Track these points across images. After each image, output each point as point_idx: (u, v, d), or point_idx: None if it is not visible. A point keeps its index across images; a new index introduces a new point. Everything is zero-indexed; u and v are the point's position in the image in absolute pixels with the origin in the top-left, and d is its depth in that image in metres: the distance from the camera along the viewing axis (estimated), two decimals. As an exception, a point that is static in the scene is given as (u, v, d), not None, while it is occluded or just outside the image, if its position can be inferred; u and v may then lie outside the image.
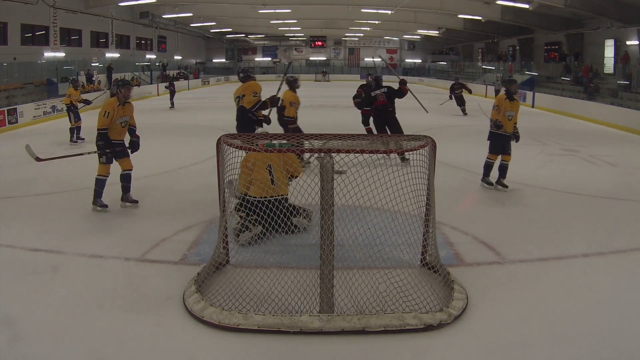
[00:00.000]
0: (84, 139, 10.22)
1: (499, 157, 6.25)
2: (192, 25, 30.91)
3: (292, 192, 4.15)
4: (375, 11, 24.79)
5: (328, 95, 23.18)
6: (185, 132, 11.99)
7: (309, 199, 3.42)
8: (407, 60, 41.23)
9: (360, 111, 9.22)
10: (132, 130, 5.61)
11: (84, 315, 3.20)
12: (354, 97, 9.71)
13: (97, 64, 22.47)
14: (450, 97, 15.07)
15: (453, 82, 15.55)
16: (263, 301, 3.29)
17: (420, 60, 40.77)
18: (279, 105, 7.21)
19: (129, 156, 5.56)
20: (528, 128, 12.50)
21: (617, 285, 3.72)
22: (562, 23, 21.48)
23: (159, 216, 5.29)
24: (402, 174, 3.40)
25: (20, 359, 2.78)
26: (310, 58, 42.41)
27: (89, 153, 5.40)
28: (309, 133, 3.47)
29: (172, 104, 17.69)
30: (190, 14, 27.49)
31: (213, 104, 20.03)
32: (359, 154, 3.11)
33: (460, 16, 25.39)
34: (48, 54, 19.54)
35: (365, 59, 41.50)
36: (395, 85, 8.36)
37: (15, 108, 13.04)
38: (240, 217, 4.41)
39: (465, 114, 14.70)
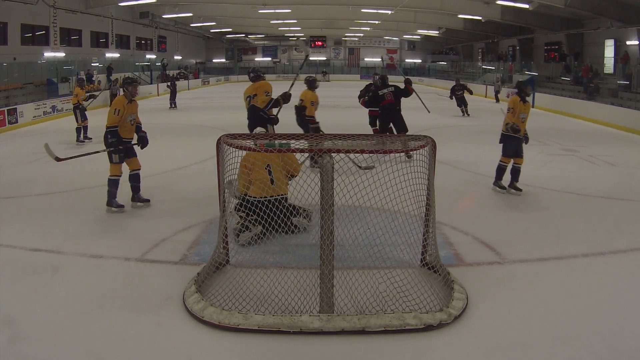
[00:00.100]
0: (91, 138, 10.24)
1: (511, 161, 6.15)
2: (192, 25, 30.91)
3: (292, 192, 4.15)
4: (375, 11, 24.78)
5: (328, 95, 23.09)
6: (185, 132, 11.99)
7: (309, 199, 3.42)
8: (407, 60, 41.23)
9: (367, 110, 9.20)
10: (138, 128, 5.63)
11: (84, 315, 3.20)
12: (360, 97, 9.69)
13: (97, 64, 22.46)
14: (451, 98, 15.02)
15: (454, 83, 15.44)
16: (263, 301, 3.29)
17: (420, 60, 40.77)
18: (298, 105, 7.33)
19: (136, 155, 5.58)
20: (528, 128, 12.48)
21: (617, 285, 3.72)
22: (562, 23, 21.47)
23: (159, 216, 5.29)
24: (402, 174, 3.40)
25: (20, 359, 2.78)
26: (310, 58, 42.38)
27: (104, 151, 5.38)
28: (309, 133, 3.46)
29: (174, 104, 17.58)
30: (190, 14, 27.49)
31: (213, 104, 20.05)
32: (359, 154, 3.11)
33: (460, 16, 25.38)
34: (48, 54, 19.54)
35: (365, 59, 41.55)
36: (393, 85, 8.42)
37: (15, 108, 13.04)
38: (240, 217, 4.41)
39: (467, 115, 14.59)
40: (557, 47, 23.40)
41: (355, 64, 41.96)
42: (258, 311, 3.14)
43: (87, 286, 3.62)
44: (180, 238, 4.59)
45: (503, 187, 6.17)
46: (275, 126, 6.46)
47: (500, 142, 6.19)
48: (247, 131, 5.92)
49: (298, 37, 39.81)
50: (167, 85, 18.51)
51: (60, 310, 3.27)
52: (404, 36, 37.89)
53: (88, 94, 10.91)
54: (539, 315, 3.24)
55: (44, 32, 19.73)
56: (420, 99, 9.72)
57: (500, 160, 6.18)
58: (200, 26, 32.14)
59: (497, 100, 20.55)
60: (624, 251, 4.39)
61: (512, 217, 5.41)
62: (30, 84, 16.73)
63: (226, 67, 41.82)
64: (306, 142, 3.44)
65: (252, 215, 4.20)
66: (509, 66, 25.79)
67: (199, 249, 4.34)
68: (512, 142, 6.05)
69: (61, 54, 19.99)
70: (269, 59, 42.85)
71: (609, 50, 19.56)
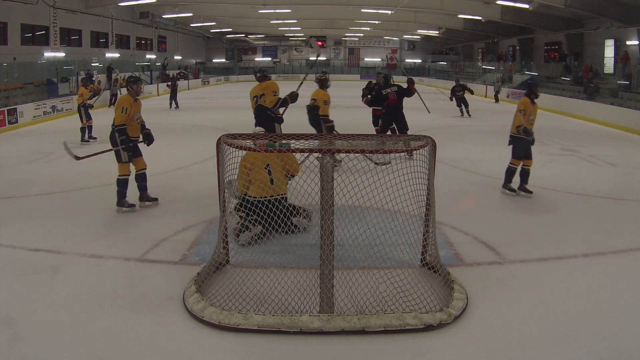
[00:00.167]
0: (95, 138, 10.26)
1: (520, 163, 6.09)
2: (192, 25, 30.90)
3: (292, 192, 4.15)
4: (375, 11, 24.76)
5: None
6: (185, 132, 11.99)
7: (309, 199, 3.42)
8: (407, 60, 41.23)
9: (367, 110, 9.21)
10: (142, 126, 5.65)
11: (84, 315, 3.20)
12: (363, 95, 9.69)
13: (97, 64, 22.45)
14: (451, 99, 14.93)
15: (454, 84, 15.33)
16: (263, 301, 3.29)
17: (420, 60, 40.76)
18: (311, 105, 7.40)
19: (142, 155, 5.59)
20: (528, 128, 12.53)
21: (617, 285, 3.72)
22: (562, 23, 21.47)
23: (159, 216, 5.30)
24: (402, 174, 3.40)
25: (20, 359, 2.78)
26: (311, 58, 42.40)
27: (120, 148, 5.37)
28: (308, 133, 3.46)
29: (176, 104, 17.44)
30: (190, 14, 27.47)
31: (213, 104, 20.05)
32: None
33: (460, 16, 25.37)
34: (48, 54, 19.52)
35: (365, 59, 41.55)
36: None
37: (15, 108, 13.04)
38: (240, 217, 4.41)
39: (469, 115, 14.51)
40: (557, 47, 23.39)
41: (355, 64, 41.94)
42: (258, 311, 3.14)
43: (87, 286, 3.62)
44: (180, 238, 4.59)
45: (513, 190, 6.06)
46: (280, 125, 6.51)
47: (509, 145, 6.09)
48: (247, 131, 5.92)
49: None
50: (167, 85, 18.41)
51: (60, 310, 3.27)
52: (404, 36, 37.87)
53: (92, 92, 10.94)
54: (539, 315, 3.24)
55: (44, 32, 19.72)
56: (421, 99, 9.75)
57: (510, 163, 6.08)
58: (200, 26, 32.13)
59: (497, 100, 20.54)
60: (624, 251, 4.39)
61: (512, 217, 5.41)
62: (30, 84, 16.72)
63: (226, 67, 41.81)
64: (306, 143, 3.44)
65: (252, 215, 4.20)
66: (509, 66, 25.79)
67: (199, 249, 4.33)
68: (523, 144, 5.95)
69: (61, 54, 19.98)
70: (269, 59, 42.84)
71: (609, 50, 19.56)
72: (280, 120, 6.45)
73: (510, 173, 6.10)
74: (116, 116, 5.33)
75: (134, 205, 5.46)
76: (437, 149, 3.64)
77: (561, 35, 22.23)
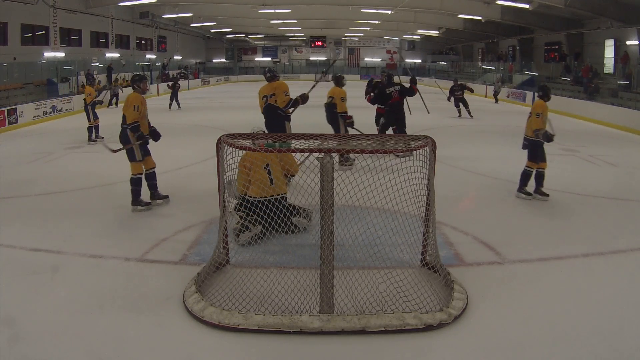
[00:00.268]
0: (102, 137, 10.26)
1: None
2: (192, 25, 30.90)
3: (292, 192, 4.15)
4: (375, 11, 24.77)
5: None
6: (185, 132, 11.98)
7: (309, 199, 3.42)
8: (407, 60, 41.25)
9: (368, 109, 9.28)
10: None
11: (84, 315, 3.20)
12: (366, 93, 9.73)
13: (97, 64, 22.45)
14: (449, 99, 14.79)
15: (452, 83, 15.19)
16: (263, 301, 3.29)
17: (420, 60, 40.76)
18: (328, 102, 7.55)
19: (150, 154, 5.61)
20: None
21: (617, 285, 3.72)
22: (562, 23, 21.47)
23: (158, 216, 5.30)
24: (402, 174, 3.40)
25: (20, 359, 2.78)
26: (310, 58, 42.39)
27: (139, 143, 5.38)
28: (308, 133, 3.46)
29: (178, 104, 17.34)
30: (190, 14, 27.47)
31: (213, 104, 20.04)
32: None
33: (460, 16, 25.37)
34: (48, 54, 19.52)
35: (365, 59, 41.53)
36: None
37: (15, 108, 13.04)
38: (240, 217, 4.41)
39: (470, 115, 14.35)
40: (557, 47, 23.40)
41: (355, 64, 41.93)
42: (258, 311, 3.14)
43: (87, 286, 3.62)
44: (180, 238, 4.59)
45: (529, 194, 5.96)
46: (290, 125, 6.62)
47: (524, 148, 6.00)
48: (247, 131, 5.94)
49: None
50: (168, 85, 18.28)
51: (60, 310, 3.28)
52: (404, 36, 37.88)
53: (98, 91, 10.98)
54: (539, 315, 3.24)
55: (44, 32, 19.72)
56: (422, 99, 9.78)
57: (527, 166, 5.96)
58: (200, 26, 32.13)
59: (497, 100, 20.52)
60: (624, 251, 4.39)
61: (512, 217, 5.41)
62: (30, 84, 16.72)
63: (226, 67, 41.81)
64: (306, 143, 3.44)
65: (252, 215, 4.20)
66: (509, 66, 25.79)
67: (199, 249, 4.33)
68: (539, 146, 5.87)
69: (61, 54, 19.98)
70: (269, 59, 42.83)
71: (609, 50, 19.56)
72: (289, 118, 6.55)
73: (526, 177, 5.97)
74: (128, 115, 5.34)
75: (149, 204, 5.51)
76: (437, 149, 3.64)
77: (561, 35, 22.23)
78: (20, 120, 13.02)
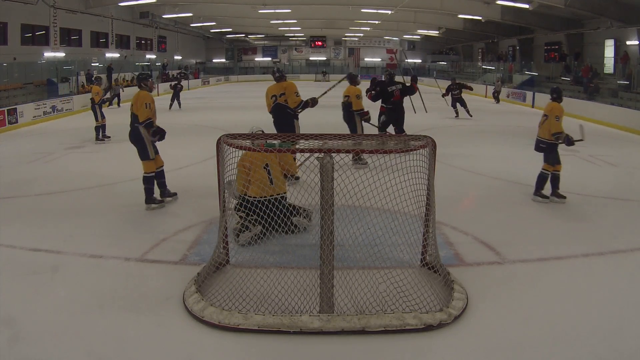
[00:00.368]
0: (109, 137, 10.27)
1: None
2: (192, 25, 30.89)
3: (292, 192, 4.15)
4: (375, 11, 24.76)
5: (328, 95, 23.14)
6: (185, 132, 11.98)
7: (309, 199, 3.42)
8: (407, 61, 41.25)
9: (377, 108, 9.34)
10: None
11: (84, 315, 3.20)
12: (367, 90, 9.80)
13: (97, 64, 22.45)
14: (443, 96, 14.55)
15: (449, 82, 14.75)
16: (263, 301, 3.29)
17: (420, 61, 40.75)
18: (345, 102, 7.75)
19: (158, 152, 5.65)
20: (528, 128, 12.48)
21: (617, 285, 3.72)
22: (562, 23, 21.47)
23: (158, 216, 5.30)
24: (402, 174, 3.40)
25: (20, 359, 2.78)
26: (310, 58, 42.39)
27: (157, 137, 5.48)
28: (308, 133, 3.46)
29: (179, 104, 17.27)
30: (190, 14, 27.47)
31: (213, 104, 20.03)
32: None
33: (460, 16, 25.37)
34: (48, 54, 19.52)
35: (365, 59, 41.53)
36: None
37: (15, 108, 13.04)
38: (240, 217, 4.41)
39: (470, 115, 14.20)
40: (557, 47, 23.40)
41: (355, 64, 41.93)
42: (258, 311, 3.14)
43: (87, 286, 3.62)
44: (180, 238, 4.59)
45: (545, 197, 5.87)
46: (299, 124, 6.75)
47: (539, 151, 5.94)
48: (247, 131, 5.96)
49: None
50: (171, 86, 18.13)
51: (60, 310, 3.27)
52: (404, 36, 37.86)
53: (105, 90, 11.00)
54: (539, 315, 3.24)
55: (44, 32, 19.72)
56: (421, 98, 9.84)
57: (544, 169, 5.89)
58: (200, 26, 32.13)
59: (498, 100, 20.51)
60: (624, 251, 4.39)
61: (512, 217, 5.40)
62: (30, 84, 16.72)
63: (226, 67, 41.81)
64: (306, 143, 3.44)
65: (251, 215, 4.20)
66: (509, 66, 25.79)
67: (199, 249, 4.33)
68: (556, 148, 5.84)
69: (61, 54, 19.98)
70: (269, 59, 42.84)
71: (609, 50, 19.56)
72: (297, 117, 6.67)
73: (543, 180, 5.90)
74: (140, 113, 5.35)
75: (162, 201, 5.55)
76: (437, 149, 3.64)
77: (561, 35, 22.24)
78: (20, 120, 13.02)
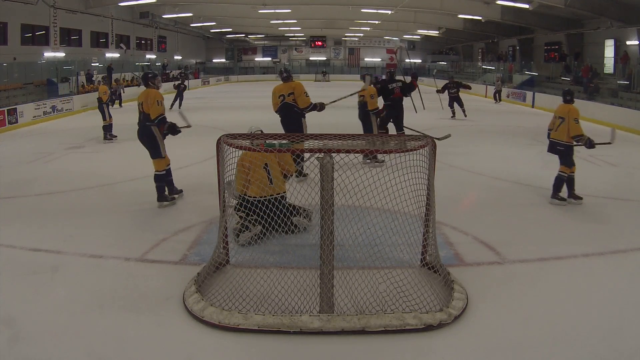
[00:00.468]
0: (116, 136, 10.29)
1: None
2: (192, 25, 30.89)
3: (292, 192, 4.15)
4: (375, 11, 24.76)
5: (328, 95, 23.03)
6: (185, 132, 11.95)
7: (309, 199, 3.42)
8: (407, 61, 41.25)
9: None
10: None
11: (84, 315, 3.20)
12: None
13: (97, 64, 22.45)
14: (439, 91, 14.37)
15: (447, 81, 14.53)
16: (263, 301, 3.29)
17: (420, 60, 40.75)
18: (361, 101, 7.87)
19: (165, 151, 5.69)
20: (528, 128, 12.51)
21: (617, 285, 3.72)
22: (562, 23, 21.47)
23: (159, 216, 5.30)
24: (402, 174, 3.40)
25: (20, 359, 2.78)
26: (310, 58, 42.39)
27: (180, 129, 5.63)
28: (308, 133, 3.47)
29: (180, 104, 17.25)
30: (190, 14, 27.47)
31: (213, 104, 20.03)
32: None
33: (460, 16, 25.37)
34: (48, 54, 19.52)
35: (365, 59, 41.55)
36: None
37: (15, 108, 13.04)
38: (240, 217, 4.41)
39: (464, 115, 14.09)
40: (557, 47, 23.40)
41: (355, 64, 41.94)
42: (258, 311, 3.14)
43: (87, 286, 3.62)
44: (180, 238, 4.59)
45: (563, 199, 5.81)
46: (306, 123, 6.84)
47: (555, 153, 5.89)
48: (243, 131, 5.98)
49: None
50: (174, 86, 18.07)
51: (60, 310, 3.27)
52: (404, 36, 37.86)
53: (112, 90, 11.02)
54: (539, 315, 3.24)
55: (44, 32, 19.72)
56: (420, 96, 9.92)
57: (561, 172, 5.81)
58: (200, 26, 32.13)
59: (498, 100, 20.50)
60: (624, 251, 4.39)
61: (512, 217, 5.40)
62: (30, 84, 16.71)
63: (226, 67, 41.81)
64: (308, 143, 3.44)
65: (251, 215, 4.20)
66: (509, 66, 25.79)
67: (199, 249, 4.33)
68: (573, 151, 5.81)
69: (61, 54, 19.98)
70: (269, 59, 42.85)
71: (609, 50, 19.57)
72: (304, 115, 6.75)
73: (561, 182, 5.83)
74: (153, 111, 5.36)
75: (174, 198, 5.61)
76: (437, 149, 3.64)
77: (561, 35, 22.24)
78: (20, 120, 13.03)
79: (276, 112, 6.75)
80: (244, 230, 4.32)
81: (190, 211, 5.37)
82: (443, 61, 37.68)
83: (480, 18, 24.13)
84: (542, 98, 18.19)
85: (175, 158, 8.26)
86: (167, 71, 28.09)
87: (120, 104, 17.88)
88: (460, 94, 14.17)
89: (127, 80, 22.91)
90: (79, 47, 22.71)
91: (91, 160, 8.49)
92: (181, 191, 5.84)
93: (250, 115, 14.22)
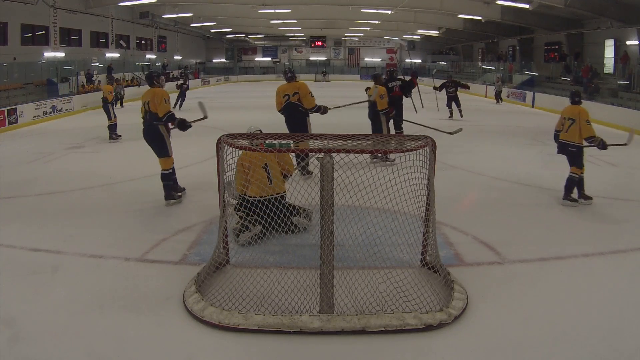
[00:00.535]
0: (120, 135, 10.30)
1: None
2: (192, 25, 30.88)
3: (292, 191, 4.15)
4: (375, 11, 24.76)
5: (328, 95, 23.08)
6: (185, 132, 11.96)
7: (309, 199, 3.42)
8: (407, 60, 41.25)
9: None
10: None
11: (84, 315, 3.20)
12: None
13: (97, 64, 22.45)
14: (436, 89, 14.28)
15: (445, 80, 14.29)
16: (263, 301, 3.29)
17: (420, 61, 40.74)
18: (370, 99, 7.97)
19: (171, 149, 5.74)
20: (528, 128, 12.51)
21: (617, 285, 3.72)
22: (562, 23, 21.47)
23: (159, 216, 5.30)
24: (402, 174, 3.40)
25: (20, 359, 2.78)
26: (310, 58, 42.38)
27: (190, 123, 5.73)
28: (309, 134, 3.46)
29: (180, 104, 17.12)
30: (190, 14, 27.47)
31: (213, 104, 20.00)
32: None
33: (460, 16, 25.37)
34: (48, 54, 19.51)
35: (365, 59, 41.54)
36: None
37: (15, 108, 13.04)
38: (240, 217, 4.41)
39: (461, 115, 13.88)
40: (557, 47, 23.40)
41: (355, 64, 41.93)
42: (258, 311, 3.14)
43: (87, 286, 3.62)
44: (180, 238, 4.59)
45: (575, 201, 5.81)
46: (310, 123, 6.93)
47: (564, 154, 5.91)
48: (243, 131, 5.99)
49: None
50: (177, 85, 17.98)
51: (60, 310, 3.27)
52: (404, 36, 37.84)
53: (116, 89, 11.04)
54: (539, 315, 3.24)
55: (44, 32, 19.71)
56: (419, 95, 9.97)
57: (572, 173, 5.83)
58: (200, 26, 32.12)
59: (499, 100, 20.48)
60: (624, 251, 4.39)
61: (512, 217, 5.40)
62: (30, 84, 16.71)
63: (226, 67, 41.81)
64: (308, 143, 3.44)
65: (251, 215, 4.20)
66: (509, 66, 25.78)
67: (199, 249, 4.33)
68: (583, 153, 5.81)
69: (61, 54, 19.97)
70: (269, 59, 42.85)
71: (609, 50, 19.56)
72: (308, 115, 6.84)
73: (573, 183, 5.83)
74: (160, 109, 5.39)
75: (180, 196, 5.66)
76: (437, 149, 3.64)
77: (561, 35, 22.23)
78: (20, 120, 13.03)
79: (280, 111, 6.78)
80: (244, 230, 4.32)
81: (190, 211, 5.37)
82: (443, 61, 37.68)
83: (480, 18, 24.12)
84: (542, 98, 18.19)
85: (175, 158, 8.29)
86: (167, 71, 28.07)
87: (121, 104, 17.88)
88: (458, 93, 14.08)
89: (127, 81, 22.90)
90: (79, 47, 22.70)
91: (91, 160, 8.49)
92: (184, 189, 5.88)
93: (250, 115, 14.22)
